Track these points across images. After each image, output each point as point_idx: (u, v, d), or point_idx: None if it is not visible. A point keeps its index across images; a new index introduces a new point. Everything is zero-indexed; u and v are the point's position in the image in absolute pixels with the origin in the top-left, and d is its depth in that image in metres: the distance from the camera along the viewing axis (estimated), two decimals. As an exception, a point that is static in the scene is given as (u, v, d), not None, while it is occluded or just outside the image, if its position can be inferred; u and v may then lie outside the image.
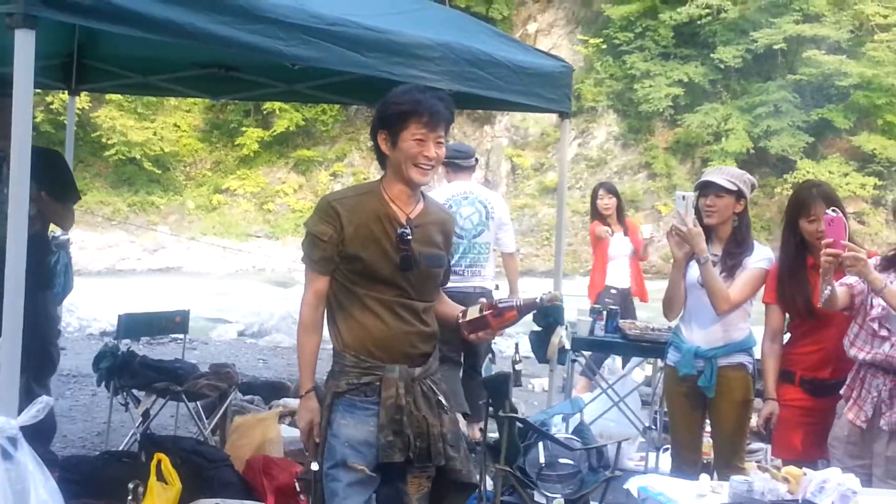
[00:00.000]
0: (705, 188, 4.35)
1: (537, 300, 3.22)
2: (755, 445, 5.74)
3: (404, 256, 3.13)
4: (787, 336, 4.35)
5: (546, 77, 5.45)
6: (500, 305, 3.18)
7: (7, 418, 2.78)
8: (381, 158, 3.22)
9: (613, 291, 7.58)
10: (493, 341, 6.94)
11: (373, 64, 4.16)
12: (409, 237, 3.14)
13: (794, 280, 4.10)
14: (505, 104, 5.84)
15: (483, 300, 3.30)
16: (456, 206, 6.11)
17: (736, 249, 4.34)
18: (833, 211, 3.49)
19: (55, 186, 4.95)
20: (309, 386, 3.23)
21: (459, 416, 4.79)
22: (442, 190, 6.42)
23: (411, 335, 3.17)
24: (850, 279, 3.71)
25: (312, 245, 3.18)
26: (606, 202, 7.79)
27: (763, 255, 4.35)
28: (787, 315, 4.26)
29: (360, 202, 3.18)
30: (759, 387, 4.58)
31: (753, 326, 4.46)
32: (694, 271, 4.33)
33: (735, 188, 4.29)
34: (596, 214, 7.86)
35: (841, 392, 3.88)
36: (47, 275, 5.00)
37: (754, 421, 4.83)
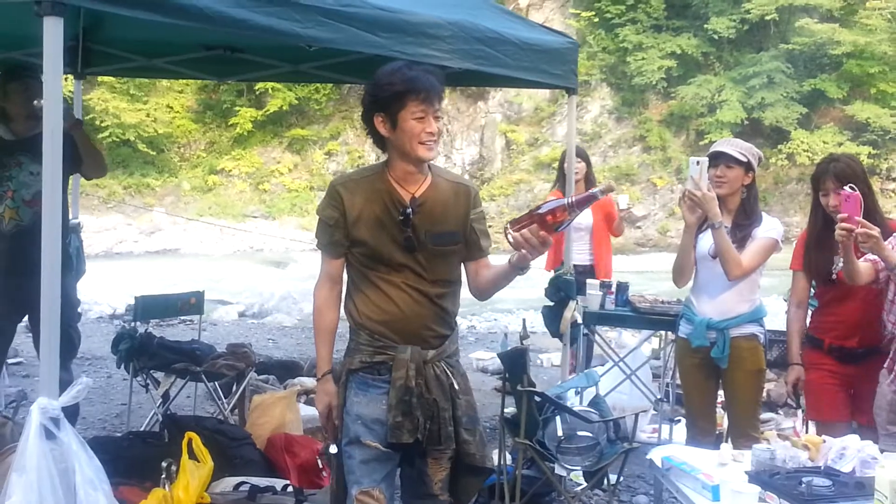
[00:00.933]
0: (715, 158, 4.39)
1: (591, 193, 2.94)
2: (765, 416, 5.83)
3: (407, 237, 3.10)
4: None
5: (552, 54, 5.46)
6: (546, 205, 2.90)
7: (49, 399, 2.82)
8: (380, 141, 3.15)
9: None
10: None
11: (386, 44, 4.16)
12: (413, 217, 3.10)
13: (819, 248, 4.17)
14: (513, 81, 5.82)
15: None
16: None
17: (745, 221, 4.39)
18: (850, 188, 3.55)
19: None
20: (325, 368, 3.25)
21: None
22: None
23: (425, 317, 3.14)
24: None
25: (322, 229, 3.19)
26: (575, 167, 6.54)
27: (772, 226, 4.41)
28: (814, 283, 4.34)
29: (364, 185, 3.15)
30: (769, 357, 4.66)
31: (767, 297, 4.53)
32: (704, 243, 4.38)
33: (745, 160, 4.36)
34: (560, 182, 6.89)
35: (865, 361, 3.97)
36: (67, 258, 5.03)
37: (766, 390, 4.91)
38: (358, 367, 3.15)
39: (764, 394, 4.96)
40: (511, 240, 2.91)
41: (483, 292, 3.31)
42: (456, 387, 3.20)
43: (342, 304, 3.28)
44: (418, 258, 3.12)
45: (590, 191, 2.93)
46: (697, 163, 4.25)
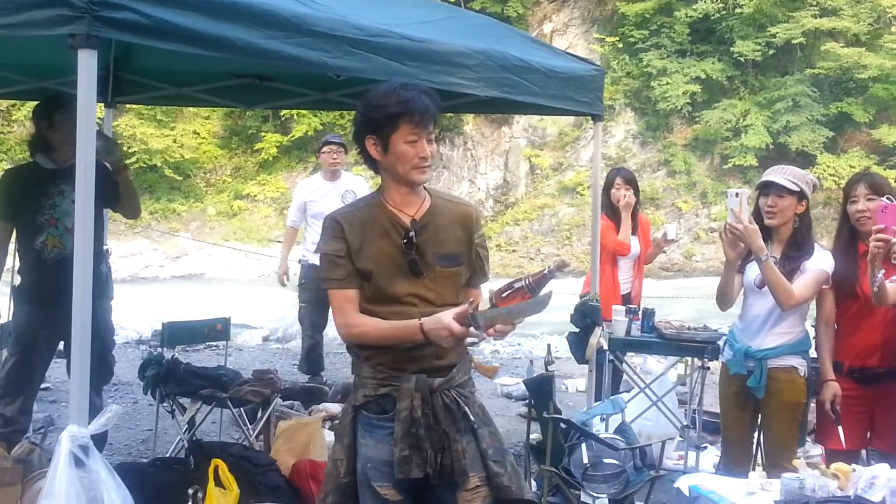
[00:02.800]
0: (766, 188, 4.26)
1: (545, 272, 2.86)
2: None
3: (412, 261, 2.99)
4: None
5: (578, 81, 5.49)
6: (505, 294, 2.82)
7: (79, 427, 2.84)
8: (372, 164, 3.07)
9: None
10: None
11: (414, 73, 4.19)
12: (417, 239, 3.00)
13: (844, 263, 4.12)
14: (539, 108, 5.85)
15: (492, 290, 2.93)
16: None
17: (795, 253, 4.25)
18: (888, 199, 3.51)
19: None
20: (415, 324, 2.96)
21: None
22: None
23: (436, 346, 2.95)
24: None
25: (332, 265, 3.02)
26: (623, 193, 6.49)
27: (824, 258, 4.25)
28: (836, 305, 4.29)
29: (361, 215, 3.05)
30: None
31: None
32: (751, 273, 4.28)
33: (797, 188, 4.21)
34: (607, 207, 6.48)
35: (885, 382, 3.93)
36: (102, 284, 5.08)
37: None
38: (362, 402, 3.03)
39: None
40: (479, 328, 2.85)
41: None
42: (471, 417, 3.04)
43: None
44: (425, 283, 3.03)
45: (546, 270, 2.86)
46: (736, 195, 4.05)
